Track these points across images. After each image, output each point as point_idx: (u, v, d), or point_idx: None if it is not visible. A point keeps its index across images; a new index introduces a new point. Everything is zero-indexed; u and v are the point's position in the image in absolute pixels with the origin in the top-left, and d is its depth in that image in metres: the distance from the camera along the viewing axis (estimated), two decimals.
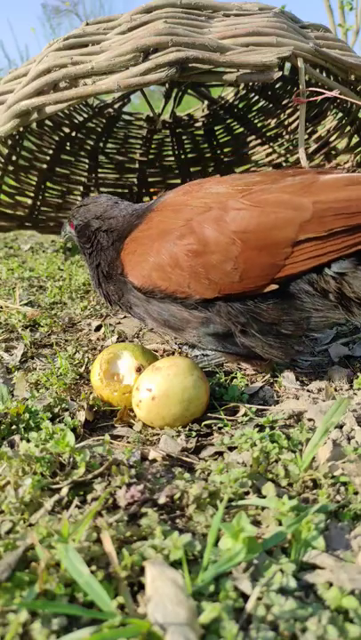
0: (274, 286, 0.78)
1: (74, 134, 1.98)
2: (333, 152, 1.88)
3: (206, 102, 2.17)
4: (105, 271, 0.96)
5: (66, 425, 0.72)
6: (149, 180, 2.27)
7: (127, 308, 0.95)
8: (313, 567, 0.49)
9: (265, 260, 0.77)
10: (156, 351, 1.01)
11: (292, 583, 0.46)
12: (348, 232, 0.75)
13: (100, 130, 2.09)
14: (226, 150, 2.25)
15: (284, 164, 2.02)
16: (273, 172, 0.90)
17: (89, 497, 0.58)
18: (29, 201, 1.93)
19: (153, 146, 2.26)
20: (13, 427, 0.72)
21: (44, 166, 1.90)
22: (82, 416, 0.75)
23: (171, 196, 0.91)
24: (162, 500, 0.55)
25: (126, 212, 0.98)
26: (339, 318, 0.83)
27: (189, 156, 2.30)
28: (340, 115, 1.74)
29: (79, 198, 2.10)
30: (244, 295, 0.80)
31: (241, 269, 0.77)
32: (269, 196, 0.79)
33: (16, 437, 0.70)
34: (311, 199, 0.77)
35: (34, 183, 1.91)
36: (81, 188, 2.13)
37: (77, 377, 0.89)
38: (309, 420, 0.75)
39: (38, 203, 1.95)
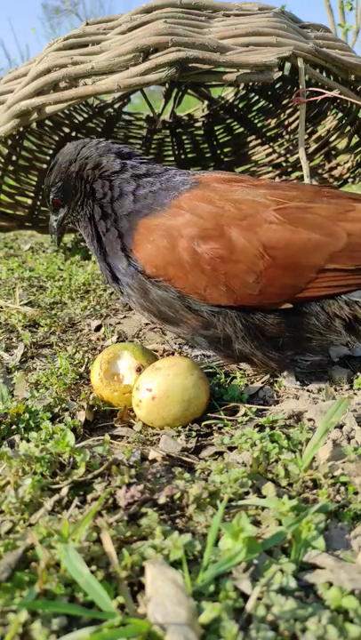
0: (289, 305, 0.78)
1: (74, 134, 1.98)
2: (333, 152, 1.88)
3: (206, 102, 2.17)
4: (103, 232, 0.89)
5: (66, 425, 0.72)
6: None
7: (115, 282, 0.90)
8: (313, 567, 0.49)
9: (288, 280, 0.77)
10: (156, 351, 1.01)
11: (292, 583, 0.46)
12: None
13: (100, 130, 2.09)
14: (226, 150, 2.25)
15: (284, 164, 2.02)
16: (309, 188, 0.87)
17: (89, 497, 0.58)
18: (29, 201, 1.93)
19: (153, 146, 2.26)
20: (13, 427, 0.72)
21: (44, 166, 1.90)
22: (82, 416, 0.75)
23: (202, 188, 0.84)
24: (162, 500, 0.55)
25: (133, 175, 0.88)
26: (336, 341, 0.84)
27: (189, 155, 2.30)
28: (341, 115, 1.75)
29: None
30: (256, 308, 0.79)
31: (263, 284, 0.76)
32: (305, 216, 0.77)
33: (16, 437, 0.70)
34: (346, 229, 0.76)
35: (34, 183, 1.91)
36: None
37: (77, 377, 0.89)
38: (309, 420, 0.75)
39: (38, 203, 1.95)
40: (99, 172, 0.91)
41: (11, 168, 1.79)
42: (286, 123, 1.95)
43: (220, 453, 0.68)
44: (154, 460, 0.66)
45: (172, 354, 1.00)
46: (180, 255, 0.79)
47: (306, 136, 1.87)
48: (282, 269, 0.76)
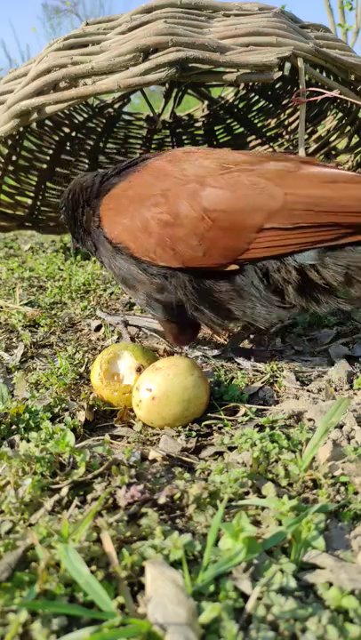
0: (235, 266, 0.80)
1: (74, 134, 1.98)
2: (333, 152, 1.88)
3: (206, 102, 2.17)
4: (82, 222, 1.01)
5: (66, 425, 0.72)
6: None
7: (98, 257, 0.99)
8: (313, 567, 0.49)
9: (229, 241, 0.79)
10: (156, 351, 1.01)
11: (292, 583, 0.46)
12: (313, 228, 0.76)
13: (100, 130, 2.09)
14: None
15: None
16: (261, 154, 0.91)
17: (89, 497, 0.58)
18: (29, 201, 1.93)
19: (153, 146, 2.26)
20: (13, 427, 0.72)
21: (44, 166, 1.90)
22: (82, 416, 0.75)
23: (156, 160, 0.91)
24: (162, 500, 0.55)
25: (102, 174, 1.02)
26: (283, 313, 0.86)
27: None
28: (341, 115, 1.75)
29: None
30: (206, 271, 0.82)
31: (206, 246, 0.80)
32: (245, 179, 0.80)
33: (16, 437, 0.70)
34: (285, 189, 0.77)
35: (34, 183, 1.91)
36: None
37: (77, 377, 0.89)
38: (309, 420, 0.75)
39: (38, 203, 1.95)
40: (82, 188, 1.04)
41: (11, 168, 1.79)
42: (286, 123, 1.95)
43: (220, 453, 0.68)
44: (154, 460, 0.66)
45: (172, 354, 1.00)
46: (132, 221, 0.85)
47: (306, 136, 1.87)
48: (222, 231, 0.79)
